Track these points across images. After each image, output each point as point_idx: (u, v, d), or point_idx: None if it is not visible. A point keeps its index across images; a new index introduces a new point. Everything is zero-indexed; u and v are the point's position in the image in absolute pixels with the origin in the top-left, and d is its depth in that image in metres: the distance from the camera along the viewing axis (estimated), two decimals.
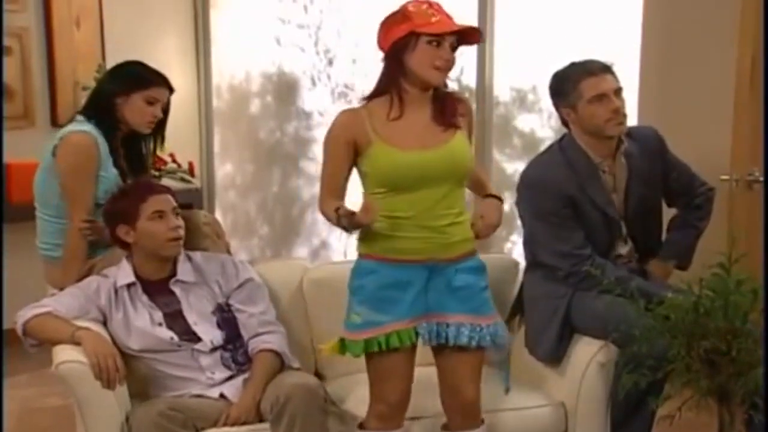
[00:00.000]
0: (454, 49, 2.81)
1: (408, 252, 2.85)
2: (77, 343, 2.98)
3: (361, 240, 2.94)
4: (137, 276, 3.22)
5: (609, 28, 4.84)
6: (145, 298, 3.20)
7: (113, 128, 3.44)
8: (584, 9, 5.00)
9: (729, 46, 3.97)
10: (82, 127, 3.40)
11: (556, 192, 3.20)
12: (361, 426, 3.01)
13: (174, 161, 5.93)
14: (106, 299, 3.19)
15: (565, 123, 3.37)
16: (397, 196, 2.84)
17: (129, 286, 3.20)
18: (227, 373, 3.18)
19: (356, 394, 3.27)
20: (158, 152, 3.70)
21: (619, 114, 3.28)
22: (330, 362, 3.50)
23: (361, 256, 2.94)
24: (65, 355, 2.96)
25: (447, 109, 2.87)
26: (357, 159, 2.88)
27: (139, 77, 3.48)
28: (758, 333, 2.65)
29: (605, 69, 3.31)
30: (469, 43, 2.86)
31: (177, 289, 3.23)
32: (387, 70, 2.85)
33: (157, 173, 5.64)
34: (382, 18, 2.87)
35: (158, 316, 3.19)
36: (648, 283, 3.27)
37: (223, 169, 6.64)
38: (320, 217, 6.62)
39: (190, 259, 3.29)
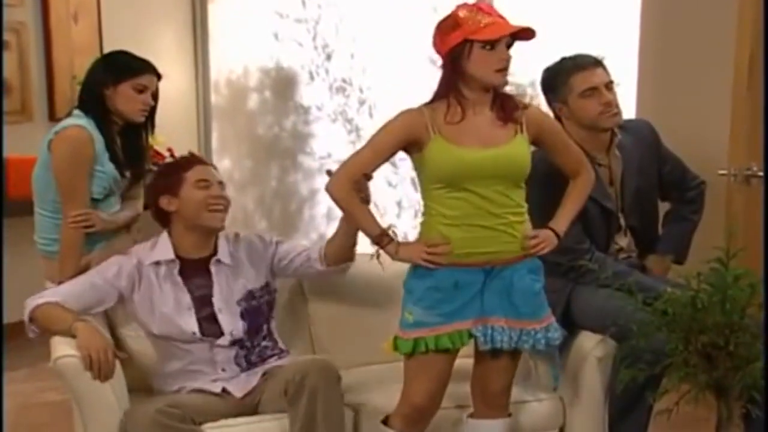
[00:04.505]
0: (509, 46, 2.79)
1: (464, 256, 2.83)
2: (74, 335, 2.96)
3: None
4: (176, 254, 3.17)
5: (607, 23, 4.84)
6: (178, 278, 3.15)
7: (107, 121, 3.43)
8: (582, 3, 5.01)
9: (727, 40, 3.97)
10: (78, 121, 3.39)
11: (552, 187, 3.19)
12: (385, 422, 2.99)
13: (172, 156, 5.92)
14: (128, 280, 3.14)
15: (558, 118, 3.37)
16: (453, 193, 2.83)
17: (164, 263, 3.15)
18: (236, 371, 3.15)
19: (356, 388, 3.27)
20: (149, 140, 3.67)
21: (612, 106, 3.29)
22: (330, 357, 3.50)
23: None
24: (63, 349, 2.95)
25: (507, 106, 2.86)
26: (414, 156, 2.88)
27: (125, 66, 3.46)
28: (756, 327, 2.65)
29: (596, 63, 3.32)
30: (523, 39, 2.81)
31: (214, 269, 3.17)
32: (446, 76, 2.85)
33: (155, 168, 5.63)
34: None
35: (186, 300, 3.13)
36: (647, 278, 3.28)
37: (222, 165, 6.64)
38: (318, 212, 6.71)
39: (228, 240, 3.24)
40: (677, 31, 4.38)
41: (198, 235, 3.18)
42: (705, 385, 2.64)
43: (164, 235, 3.21)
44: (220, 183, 3.21)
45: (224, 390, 3.09)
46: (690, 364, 2.65)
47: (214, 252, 3.19)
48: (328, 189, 2.94)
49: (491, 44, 2.75)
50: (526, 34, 2.79)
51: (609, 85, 3.31)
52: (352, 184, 2.88)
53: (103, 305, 3.17)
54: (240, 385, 3.10)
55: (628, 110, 4.55)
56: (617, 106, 3.32)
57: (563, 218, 3.01)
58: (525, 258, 2.89)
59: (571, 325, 3.29)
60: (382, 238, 2.86)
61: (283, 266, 3.28)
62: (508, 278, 2.87)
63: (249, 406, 3.07)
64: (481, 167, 2.80)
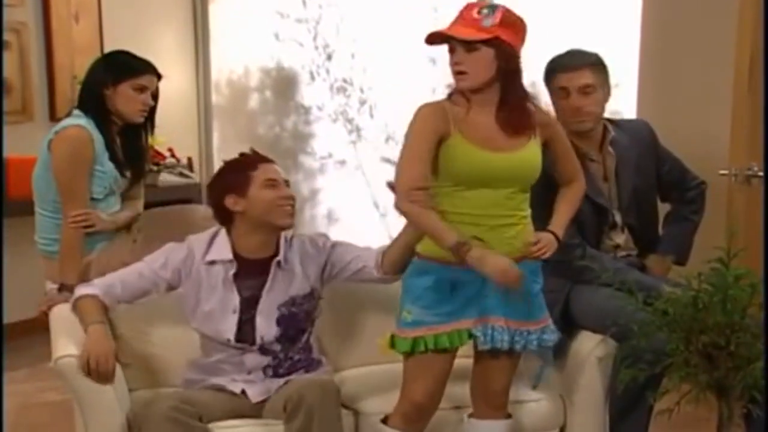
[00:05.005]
0: (471, 50, 2.76)
1: None
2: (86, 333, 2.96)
3: (425, 241, 2.92)
4: (235, 254, 3.08)
5: (608, 23, 4.84)
6: (231, 279, 3.07)
7: (107, 121, 3.43)
8: (583, 3, 5.01)
9: (727, 41, 3.97)
10: (78, 121, 3.39)
11: (544, 181, 3.18)
12: (384, 421, 2.99)
13: (173, 156, 5.93)
14: (173, 273, 3.09)
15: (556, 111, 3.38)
16: (460, 193, 2.83)
17: (220, 263, 3.08)
18: (260, 377, 3.10)
19: (357, 389, 3.27)
20: (149, 140, 3.66)
21: (580, 113, 3.28)
22: (332, 358, 3.50)
23: (417, 254, 2.93)
24: (64, 349, 2.95)
25: (513, 118, 2.83)
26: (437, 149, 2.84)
27: (125, 66, 3.46)
28: (756, 327, 2.65)
29: (581, 65, 3.29)
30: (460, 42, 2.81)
31: (273, 270, 3.09)
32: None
33: (155, 168, 5.64)
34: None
35: (234, 302, 3.07)
36: (645, 276, 3.28)
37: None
38: (319, 212, 6.70)
39: (287, 241, 3.16)
40: (678, 32, 4.38)
41: (264, 235, 3.09)
42: (706, 385, 2.64)
43: (222, 233, 3.13)
44: (286, 181, 3.14)
45: (243, 391, 3.06)
46: (691, 364, 2.64)
47: (275, 252, 3.12)
48: (397, 208, 2.82)
49: (450, 49, 2.79)
50: (452, 36, 2.77)
51: (586, 89, 3.28)
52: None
53: (152, 294, 3.13)
54: (259, 390, 3.06)
55: (629, 110, 4.56)
56: (589, 113, 3.29)
57: (560, 221, 3.01)
58: (524, 259, 2.89)
59: (570, 324, 3.29)
60: (462, 247, 2.72)
61: (336, 272, 3.20)
62: None
63: (261, 409, 3.05)
64: (491, 171, 2.81)
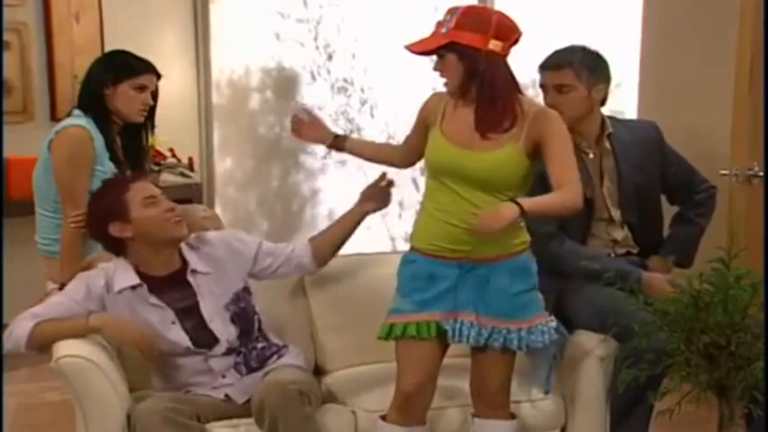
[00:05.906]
0: (441, 56, 2.86)
1: (436, 249, 2.88)
2: (94, 331, 2.96)
3: (412, 231, 3.00)
4: (141, 275, 3.07)
5: (609, 23, 4.84)
6: (153, 298, 3.05)
7: (107, 121, 3.43)
8: (584, 3, 5.01)
9: (728, 40, 3.96)
10: (78, 121, 3.39)
11: (538, 183, 3.16)
12: (383, 418, 3.00)
13: (174, 156, 5.92)
14: (98, 303, 3.04)
15: None
16: (438, 183, 2.89)
17: (133, 288, 3.05)
18: (237, 377, 3.10)
19: (356, 388, 3.27)
20: (150, 141, 3.66)
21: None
22: (331, 356, 3.50)
23: (411, 247, 2.99)
24: (65, 349, 2.94)
25: (487, 119, 2.84)
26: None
27: (125, 66, 3.45)
28: (757, 327, 2.64)
29: (565, 64, 3.29)
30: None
31: (193, 280, 3.10)
32: None
33: (156, 168, 5.64)
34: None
35: (170, 315, 3.06)
36: (625, 263, 3.30)
37: (223, 164, 6.63)
38: (320, 212, 6.70)
39: (192, 248, 3.16)
40: (679, 31, 4.38)
41: (165, 251, 3.09)
42: (706, 385, 2.63)
43: (120, 261, 3.09)
44: (162, 193, 3.12)
45: (227, 396, 3.06)
46: (692, 364, 2.64)
47: (184, 264, 3.12)
48: None
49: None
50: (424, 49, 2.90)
51: (561, 88, 3.29)
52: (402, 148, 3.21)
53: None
54: (242, 390, 3.06)
55: (630, 110, 4.56)
56: (563, 111, 3.20)
57: (534, 200, 2.79)
58: (505, 258, 2.89)
59: (565, 325, 3.28)
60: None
61: (266, 269, 3.26)
62: (483, 275, 2.88)
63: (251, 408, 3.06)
64: (459, 168, 2.83)
